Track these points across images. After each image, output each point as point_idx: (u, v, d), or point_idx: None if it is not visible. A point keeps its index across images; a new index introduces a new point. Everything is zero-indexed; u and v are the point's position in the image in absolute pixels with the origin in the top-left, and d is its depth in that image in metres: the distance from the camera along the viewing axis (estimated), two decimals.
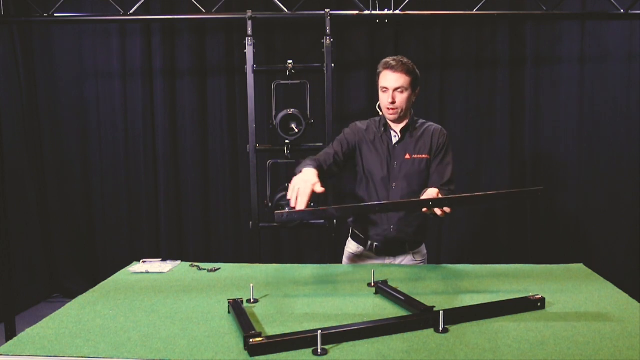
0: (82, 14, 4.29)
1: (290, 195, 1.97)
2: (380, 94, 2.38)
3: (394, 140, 2.42)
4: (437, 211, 1.99)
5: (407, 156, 2.40)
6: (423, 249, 2.56)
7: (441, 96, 4.54)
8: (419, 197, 2.25)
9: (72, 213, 4.79)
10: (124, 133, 4.69)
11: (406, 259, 2.49)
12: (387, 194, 2.40)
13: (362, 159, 2.44)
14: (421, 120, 2.49)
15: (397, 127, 2.43)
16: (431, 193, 2.17)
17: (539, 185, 4.55)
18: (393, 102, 2.33)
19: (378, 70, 2.39)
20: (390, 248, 2.47)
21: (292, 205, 1.95)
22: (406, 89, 2.34)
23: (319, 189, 1.97)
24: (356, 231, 2.55)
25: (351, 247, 2.57)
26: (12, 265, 3.92)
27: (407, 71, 2.32)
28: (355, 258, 2.54)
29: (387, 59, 2.36)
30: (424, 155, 2.40)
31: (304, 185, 1.97)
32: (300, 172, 2.10)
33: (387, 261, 2.49)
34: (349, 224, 2.60)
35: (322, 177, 2.09)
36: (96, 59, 4.66)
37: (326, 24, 3.82)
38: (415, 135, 2.42)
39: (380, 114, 2.46)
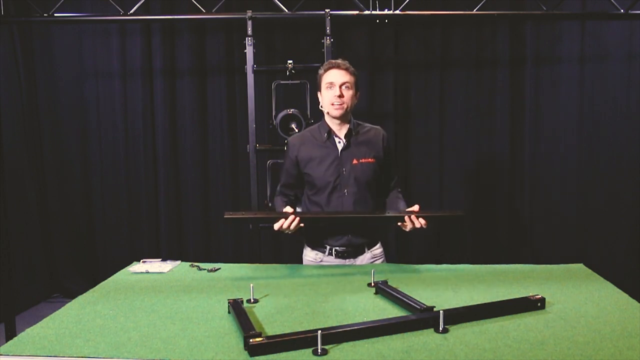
0: (82, 14, 4.29)
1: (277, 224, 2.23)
2: (325, 91, 2.40)
3: (340, 147, 2.43)
4: (409, 225, 2.22)
5: (355, 161, 2.42)
6: (379, 246, 2.57)
7: (441, 96, 4.54)
8: (370, 201, 2.45)
9: (72, 213, 4.79)
10: (124, 133, 4.68)
11: (365, 258, 2.50)
12: (340, 200, 2.42)
13: (310, 171, 2.44)
14: (360, 123, 2.52)
15: (340, 133, 2.44)
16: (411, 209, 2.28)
17: (537, 183, 4.56)
18: (341, 96, 2.35)
19: (320, 72, 2.42)
20: (349, 251, 2.48)
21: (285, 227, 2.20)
22: (351, 87, 2.38)
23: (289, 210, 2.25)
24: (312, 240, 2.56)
25: (310, 255, 2.54)
26: (12, 265, 3.91)
27: (352, 72, 2.38)
28: (316, 265, 2.52)
29: (330, 60, 2.44)
30: (370, 159, 2.44)
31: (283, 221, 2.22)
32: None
33: (348, 262, 2.49)
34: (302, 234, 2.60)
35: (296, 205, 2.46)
36: (96, 59, 4.65)
37: (326, 24, 3.82)
38: (359, 139, 2.45)
39: (323, 119, 2.48)
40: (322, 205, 2.44)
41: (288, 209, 2.25)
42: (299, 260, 2.41)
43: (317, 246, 2.51)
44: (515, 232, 4.61)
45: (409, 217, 2.21)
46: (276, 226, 2.23)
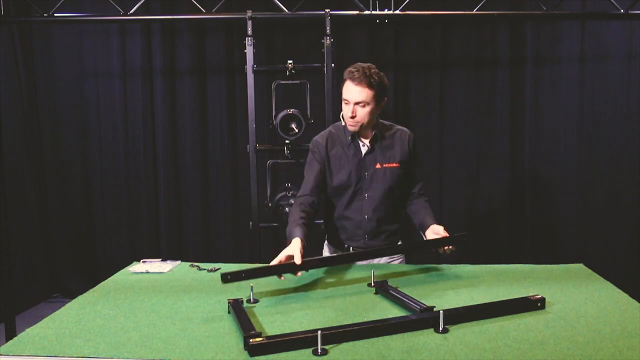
0: (82, 14, 4.29)
1: (276, 260, 2.04)
2: (343, 103, 2.30)
3: (363, 150, 2.37)
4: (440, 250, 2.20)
5: (378, 165, 2.36)
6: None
7: (441, 96, 4.54)
8: (390, 207, 2.40)
9: (72, 213, 4.79)
10: (124, 133, 4.68)
11: (383, 259, 2.49)
12: (360, 204, 2.39)
13: (332, 175, 2.39)
14: (387, 124, 2.43)
15: (364, 137, 2.38)
16: (436, 230, 2.25)
17: (537, 183, 4.55)
18: (353, 117, 2.26)
19: (343, 78, 2.28)
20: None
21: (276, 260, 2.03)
22: (368, 103, 2.25)
23: (298, 261, 2.00)
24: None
25: (329, 251, 2.55)
26: (12, 265, 3.91)
27: (369, 84, 2.22)
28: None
29: (352, 68, 2.25)
30: (394, 164, 2.37)
31: (285, 257, 2.05)
32: (289, 238, 2.15)
33: (366, 263, 2.46)
34: (322, 231, 2.59)
35: (312, 225, 2.26)
36: (96, 59, 4.65)
37: (326, 24, 3.82)
38: (385, 143, 2.38)
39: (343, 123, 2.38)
40: (341, 209, 2.41)
41: (297, 251, 2.03)
42: None
43: (337, 244, 2.51)
44: (515, 232, 4.61)
45: (436, 248, 2.20)
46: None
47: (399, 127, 2.46)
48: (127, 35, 4.61)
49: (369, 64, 2.28)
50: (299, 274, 2.01)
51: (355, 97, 2.23)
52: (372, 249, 2.32)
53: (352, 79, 2.22)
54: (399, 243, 2.50)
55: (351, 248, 2.46)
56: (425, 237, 2.31)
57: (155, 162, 4.71)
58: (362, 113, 2.26)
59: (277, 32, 4.53)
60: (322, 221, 2.58)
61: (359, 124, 2.29)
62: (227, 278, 1.88)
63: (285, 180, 4.17)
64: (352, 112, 2.26)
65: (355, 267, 2.39)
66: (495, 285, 2.09)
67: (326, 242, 2.59)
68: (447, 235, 2.21)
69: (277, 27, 4.51)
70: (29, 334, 1.67)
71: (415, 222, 2.44)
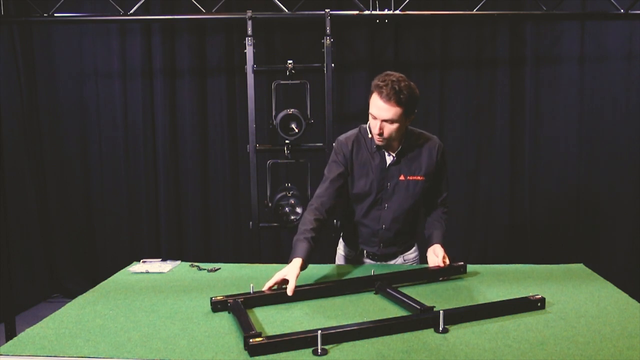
0: (82, 14, 4.29)
1: (271, 281, 1.97)
2: (370, 117, 2.17)
3: (388, 160, 2.26)
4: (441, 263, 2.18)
5: (402, 177, 2.27)
6: (414, 250, 2.51)
7: (441, 96, 4.54)
8: (410, 219, 2.35)
9: (72, 213, 4.79)
10: (124, 133, 4.69)
11: (398, 261, 2.47)
12: (379, 213, 2.32)
13: (354, 181, 2.30)
14: (415, 133, 2.30)
15: (392, 150, 2.27)
16: (436, 252, 2.22)
17: (537, 183, 4.55)
18: (380, 133, 2.14)
19: (372, 87, 2.13)
20: (380, 256, 2.44)
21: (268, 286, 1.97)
22: (396, 121, 2.10)
23: (290, 292, 1.93)
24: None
25: (344, 250, 2.54)
26: (12, 265, 3.91)
27: (398, 101, 2.06)
28: (348, 261, 2.52)
29: (380, 82, 2.08)
30: (419, 177, 2.27)
31: (280, 279, 1.98)
32: (292, 254, 2.08)
33: (379, 264, 2.45)
34: (338, 228, 2.58)
35: (320, 237, 2.16)
36: (96, 59, 4.65)
37: (326, 24, 3.82)
38: (411, 154, 2.27)
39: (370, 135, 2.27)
40: (359, 215, 2.35)
41: (293, 277, 1.95)
42: None
43: (351, 244, 2.49)
44: (515, 232, 4.61)
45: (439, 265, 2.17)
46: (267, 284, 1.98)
47: (428, 135, 2.33)
48: (127, 35, 4.61)
49: (399, 75, 2.11)
50: (290, 293, 1.92)
51: (383, 114, 2.09)
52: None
53: (381, 95, 2.07)
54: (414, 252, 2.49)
55: (365, 251, 2.44)
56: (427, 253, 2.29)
57: (155, 162, 4.71)
58: (390, 130, 2.13)
59: (277, 32, 4.53)
60: (337, 220, 2.56)
61: (386, 140, 2.18)
62: (217, 307, 1.85)
63: (285, 180, 4.17)
64: (380, 129, 2.12)
65: (355, 267, 2.38)
66: (495, 285, 2.09)
67: (341, 239, 2.57)
68: (444, 255, 2.19)
69: (277, 27, 4.51)
70: (29, 334, 1.67)
71: (425, 233, 2.39)
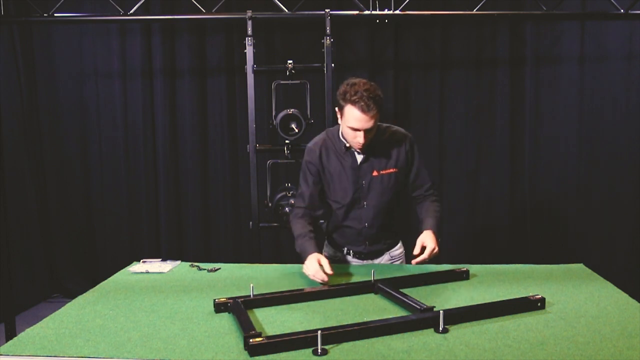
0: (82, 14, 4.29)
1: (315, 276, 2.08)
2: (347, 129, 2.17)
3: (359, 159, 2.29)
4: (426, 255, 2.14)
5: (375, 173, 2.30)
6: (399, 246, 2.53)
7: (441, 96, 4.54)
8: (391, 212, 2.37)
9: (72, 213, 4.79)
10: (124, 133, 4.68)
11: (384, 260, 2.49)
12: (359, 212, 2.35)
13: (329, 186, 2.35)
14: (382, 127, 2.31)
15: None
16: (427, 236, 2.20)
17: (537, 183, 4.55)
18: (364, 142, 2.17)
19: (342, 102, 2.14)
20: (367, 254, 2.46)
21: (320, 278, 2.06)
22: (375, 124, 2.16)
23: (329, 269, 2.08)
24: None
25: (329, 251, 2.55)
26: (12, 265, 3.91)
27: (377, 107, 2.10)
28: (334, 262, 2.49)
29: (355, 96, 2.08)
30: (391, 170, 2.30)
31: (317, 268, 2.08)
32: (304, 254, 2.18)
33: (366, 262, 2.47)
34: (323, 230, 2.59)
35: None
36: (96, 59, 4.65)
37: (326, 24, 3.82)
38: (381, 149, 2.29)
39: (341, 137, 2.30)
40: (340, 217, 2.38)
41: (316, 257, 2.11)
42: (299, 260, 2.41)
43: (336, 245, 2.51)
44: (515, 232, 4.61)
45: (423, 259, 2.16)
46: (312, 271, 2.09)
47: (395, 128, 2.36)
48: (127, 35, 4.61)
49: (363, 81, 2.15)
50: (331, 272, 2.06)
51: (366, 125, 2.12)
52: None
53: (360, 108, 2.08)
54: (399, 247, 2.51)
55: (351, 251, 2.46)
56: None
57: (155, 162, 4.71)
58: (371, 134, 2.18)
59: (277, 32, 4.53)
60: (323, 221, 2.58)
61: (367, 144, 2.21)
62: (220, 309, 1.86)
63: (285, 180, 4.17)
64: (364, 139, 2.15)
65: (355, 267, 2.39)
66: (495, 285, 2.09)
67: (327, 242, 2.58)
68: (433, 248, 2.16)
69: (277, 27, 4.51)
70: (29, 334, 1.67)
71: (418, 219, 2.39)
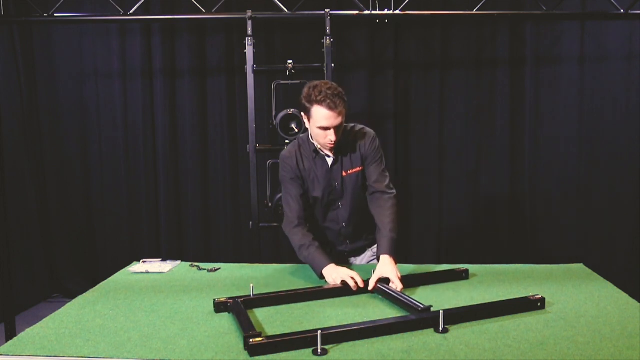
0: (82, 14, 4.29)
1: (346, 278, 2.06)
2: (317, 130, 2.20)
3: (329, 161, 2.34)
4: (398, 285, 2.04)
5: (344, 173, 2.35)
6: None
7: (441, 96, 4.54)
8: (366, 209, 2.36)
9: (72, 213, 4.79)
10: (124, 133, 4.68)
11: (366, 257, 2.54)
12: (336, 214, 2.41)
13: (308, 190, 2.38)
14: (348, 128, 2.35)
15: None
16: (386, 268, 2.12)
17: (537, 183, 4.55)
18: (336, 139, 2.20)
19: (308, 104, 2.18)
20: (349, 253, 2.52)
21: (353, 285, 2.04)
22: (342, 120, 2.20)
23: (359, 281, 2.06)
24: None
25: None
26: (12, 265, 3.91)
27: (343, 103, 2.16)
28: None
29: (320, 96, 2.13)
30: (358, 168, 2.35)
31: (347, 273, 2.08)
32: (320, 267, 2.17)
33: (351, 260, 2.53)
34: None
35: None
36: (96, 59, 4.65)
37: (326, 24, 3.82)
38: (347, 149, 2.34)
39: (309, 134, 2.33)
40: (319, 220, 2.44)
41: (354, 272, 2.09)
42: (299, 260, 2.41)
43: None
44: (516, 232, 4.61)
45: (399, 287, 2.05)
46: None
47: (360, 127, 2.40)
48: (127, 35, 4.61)
49: (324, 82, 2.22)
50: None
51: (335, 122, 2.17)
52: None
53: (327, 106, 2.13)
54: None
55: (334, 251, 2.49)
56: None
57: (155, 162, 4.71)
58: (340, 131, 2.23)
59: (277, 32, 4.53)
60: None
61: (338, 143, 2.26)
62: (220, 309, 1.86)
63: None
64: (335, 136, 2.19)
65: (355, 268, 2.39)
66: (495, 285, 2.09)
67: None
68: (395, 274, 2.07)
69: (277, 27, 4.51)
70: (29, 334, 1.67)
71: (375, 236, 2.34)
